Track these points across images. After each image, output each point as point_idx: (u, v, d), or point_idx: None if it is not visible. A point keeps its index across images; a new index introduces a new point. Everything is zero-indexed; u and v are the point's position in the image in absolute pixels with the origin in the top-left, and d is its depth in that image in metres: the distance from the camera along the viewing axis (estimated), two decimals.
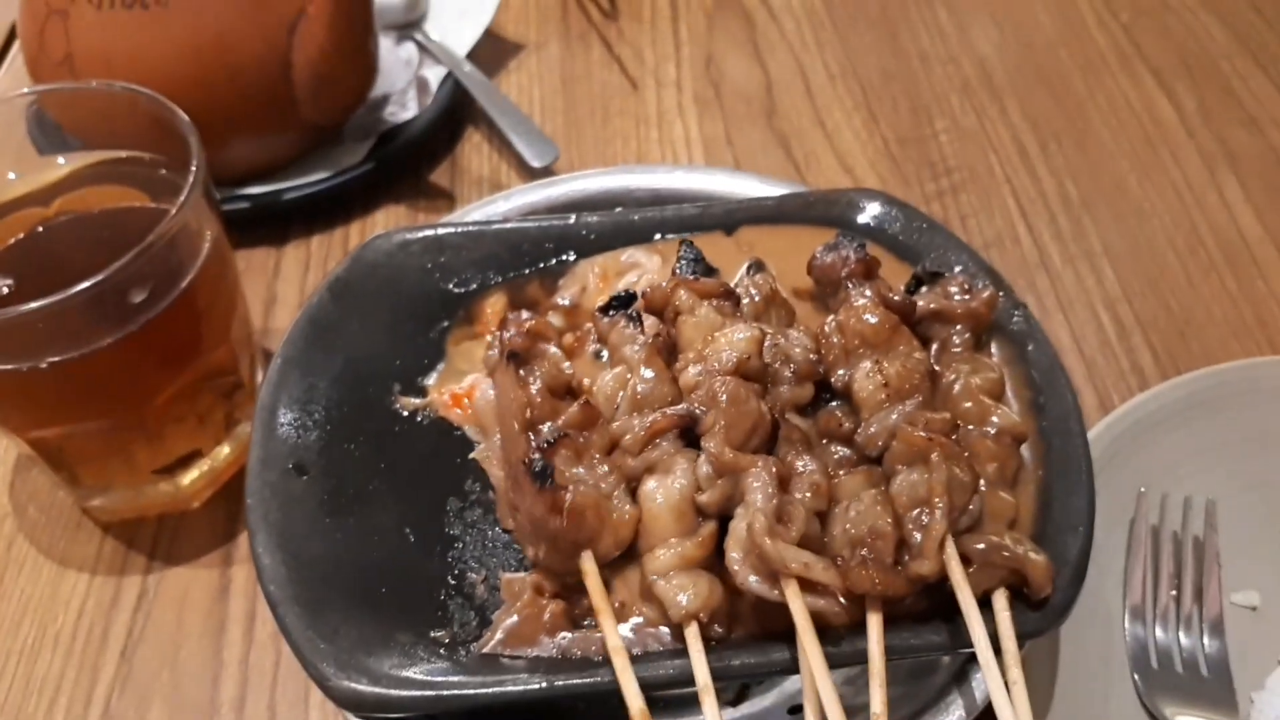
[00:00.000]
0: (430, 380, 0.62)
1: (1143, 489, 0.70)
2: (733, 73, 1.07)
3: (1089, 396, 0.80)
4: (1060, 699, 0.61)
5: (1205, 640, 0.65)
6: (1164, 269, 0.89)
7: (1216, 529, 0.69)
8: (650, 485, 0.53)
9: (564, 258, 0.68)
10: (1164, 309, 0.86)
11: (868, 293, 0.58)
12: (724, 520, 0.52)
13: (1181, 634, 0.65)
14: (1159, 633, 0.65)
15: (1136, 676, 0.63)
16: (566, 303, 0.66)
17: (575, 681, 0.48)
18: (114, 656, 0.68)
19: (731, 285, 0.61)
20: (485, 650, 0.51)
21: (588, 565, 0.51)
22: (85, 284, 0.57)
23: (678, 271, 0.61)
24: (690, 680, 0.48)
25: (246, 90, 0.84)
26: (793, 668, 0.49)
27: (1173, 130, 1.00)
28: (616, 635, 0.49)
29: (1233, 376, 0.75)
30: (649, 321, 0.61)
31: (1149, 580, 0.67)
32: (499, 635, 0.51)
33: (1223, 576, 0.67)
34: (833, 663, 0.47)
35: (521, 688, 0.48)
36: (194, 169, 0.63)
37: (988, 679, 0.47)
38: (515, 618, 0.51)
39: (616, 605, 0.51)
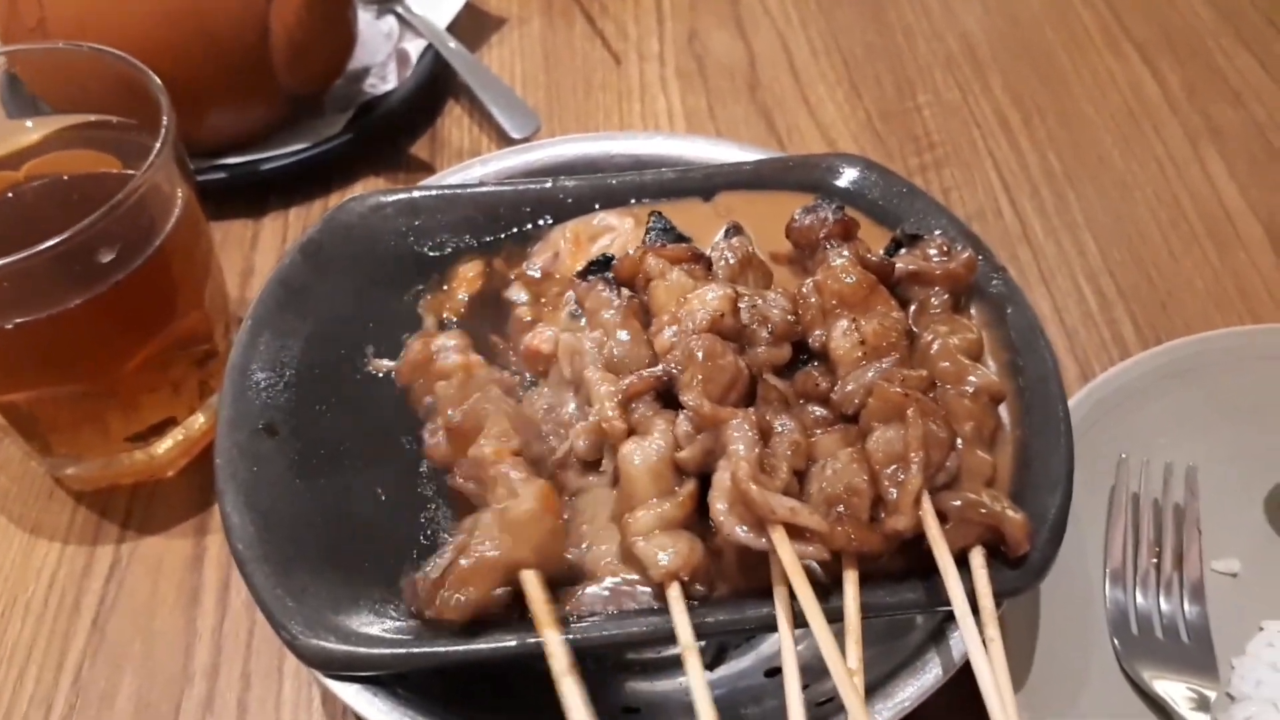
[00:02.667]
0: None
1: (1123, 455, 0.70)
2: (716, 47, 1.07)
3: (1071, 367, 0.80)
4: (1039, 663, 0.61)
5: (1186, 606, 0.64)
6: (1146, 241, 0.89)
7: (1197, 496, 0.68)
8: (628, 447, 0.52)
9: (540, 222, 0.67)
10: (1146, 280, 0.86)
11: (845, 253, 0.57)
12: (703, 480, 0.51)
13: (1162, 599, 0.65)
14: (1139, 598, 0.65)
15: (1116, 641, 0.63)
16: (537, 274, 0.66)
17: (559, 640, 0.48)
18: (86, 625, 0.67)
19: (707, 250, 0.61)
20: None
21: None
22: (50, 242, 0.56)
23: (647, 243, 0.61)
24: (669, 639, 0.48)
25: (223, 57, 0.83)
26: (773, 624, 0.48)
27: (1156, 105, 1.00)
28: (564, 657, 0.46)
29: (1214, 345, 0.75)
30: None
31: (1129, 546, 0.67)
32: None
33: (1203, 543, 0.67)
34: (808, 619, 0.46)
35: (493, 645, 0.48)
36: (164, 128, 0.62)
37: (965, 637, 0.46)
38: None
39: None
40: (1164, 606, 0.65)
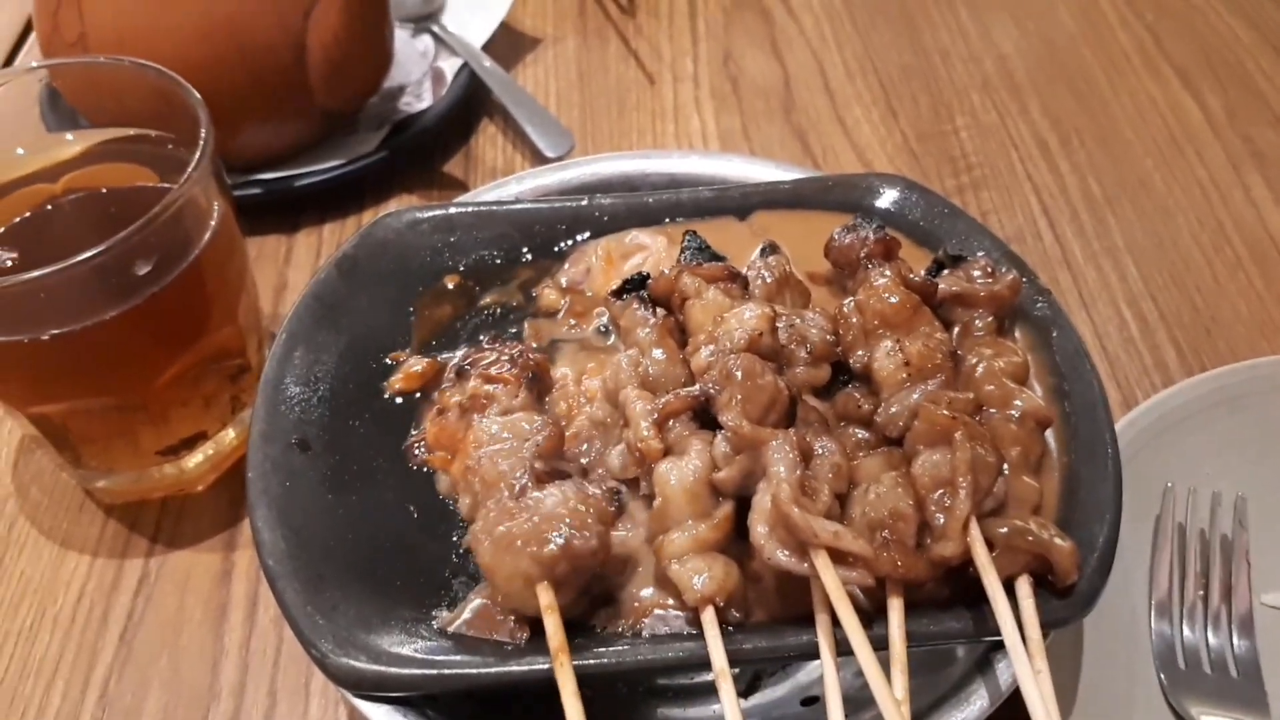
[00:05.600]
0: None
1: (1170, 484, 0.68)
2: (750, 68, 1.06)
3: (1113, 393, 0.78)
4: (1084, 696, 0.59)
5: (1234, 640, 0.62)
6: (1189, 266, 0.87)
7: (1246, 526, 0.67)
8: (664, 467, 0.51)
9: (576, 239, 0.66)
10: (1189, 306, 0.84)
11: (887, 273, 0.56)
12: (739, 502, 0.50)
13: (1209, 633, 0.63)
14: (1186, 631, 0.63)
15: (1162, 675, 0.61)
16: (565, 283, 0.65)
17: (585, 663, 0.47)
18: (113, 639, 0.66)
19: (743, 269, 0.60)
20: (450, 629, 0.49)
21: (545, 598, 0.48)
22: (88, 253, 0.56)
23: (682, 261, 0.60)
24: (704, 665, 0.47)
25: (260, 74, 0.83)
26: (814, 652, 0.47)
27: (1198, 129, 0.98)
28: (572, 681, 0.45)
29: (1262, 372, 0.73)
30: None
31: (1175, 577, 0.65)
32: (465, 615, 0.49)
33: (1252, 576, 0.65)
34: (853, 647, 0.45)
35: (525, 668, 0.47)
36: (202, 142, 0.62)
37: (1016, 668, 0.45)
38: (481, 601, 0.49)
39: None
40: (1212, 640, 0.63)
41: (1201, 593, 0.64)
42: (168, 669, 0.65)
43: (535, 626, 0.48)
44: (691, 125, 1.00)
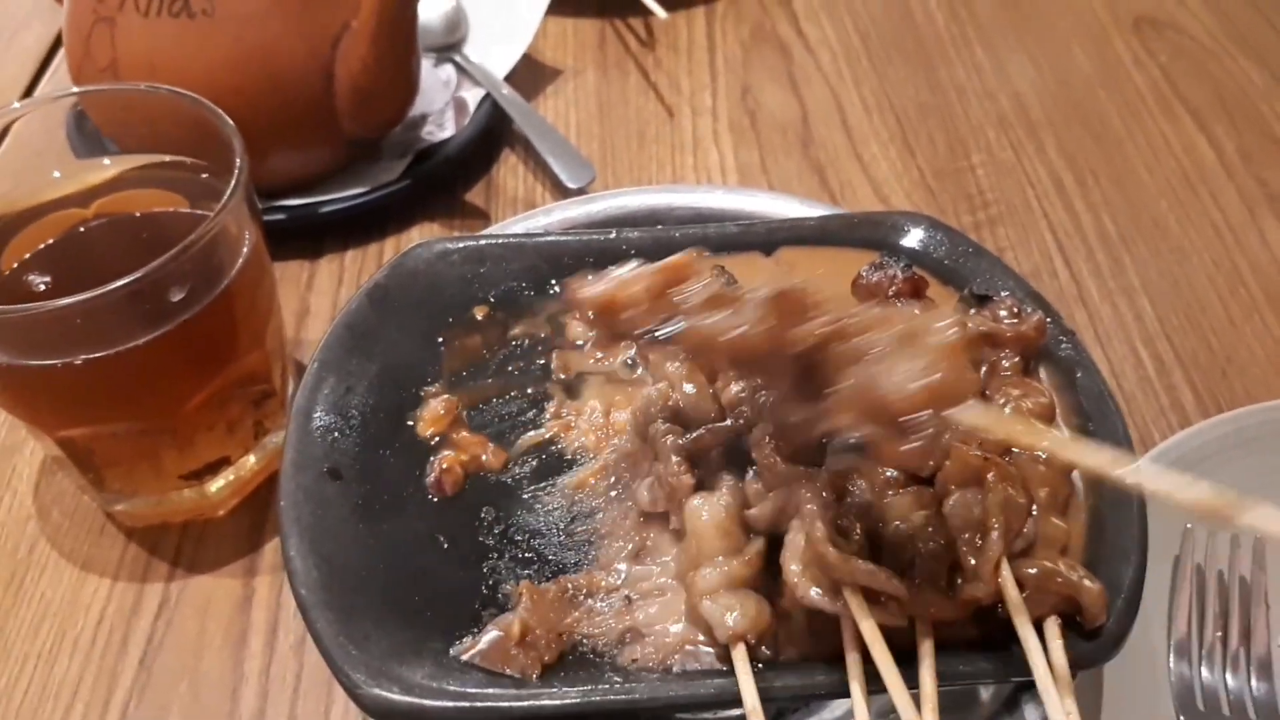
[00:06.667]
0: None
1: (1188, 525, 0.68)
2: (769, 103, 1.07)
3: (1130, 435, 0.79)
4: None
5: (1253, 682, 0.63)
6: (1205, 307, 0.88)
7: (1265, 568, 0.67)
8: (695, 502, 0.51)
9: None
10: (1205, 347, 0.85)
11: (916, 311, 0.57)
12: (770, 539, 0.51)
13: (1229, 675, 0.63)
14: (1205, 673, 0.63)
15: (1181, 717, 0.61)
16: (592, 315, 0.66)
17: (616, 698, 0.47)
18: (133, 664, 0.66)
19: None
20: (464, 657, 0.49)
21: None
22: (123, 281, 0.57)
23: None
24: (734, 701, 0.47)
25: (289, 101, 0.84)
26: (845, 690, 0.47)
27: (1212, 171, 0.99)
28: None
29: (1275, 416, 0.73)
30: None
31: (1194, 618, 0.65)
32: (480, 645, 0.49)
33: (1271, 618, 0.65)
34: (882, 686, 0.45)
35: (559, 702, 0.47)
36: (237, 170, 0.63)
37: (1048, 709, 0.45)
38: (497, 633, 0.50)
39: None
40: (1230, 682, 0.63)
41: (1220, 634, 0.65)
42: (187, 694, 0.65)
43: (545, 666, 0.48)
44: (710, 158, 1.01)
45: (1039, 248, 0.92)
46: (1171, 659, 0.64)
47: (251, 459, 0.74)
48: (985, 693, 0.53)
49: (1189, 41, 1.14)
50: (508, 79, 1.03)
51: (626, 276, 0.43)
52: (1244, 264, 0.91)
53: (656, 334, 0.42)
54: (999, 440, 0.53)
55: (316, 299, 0.88)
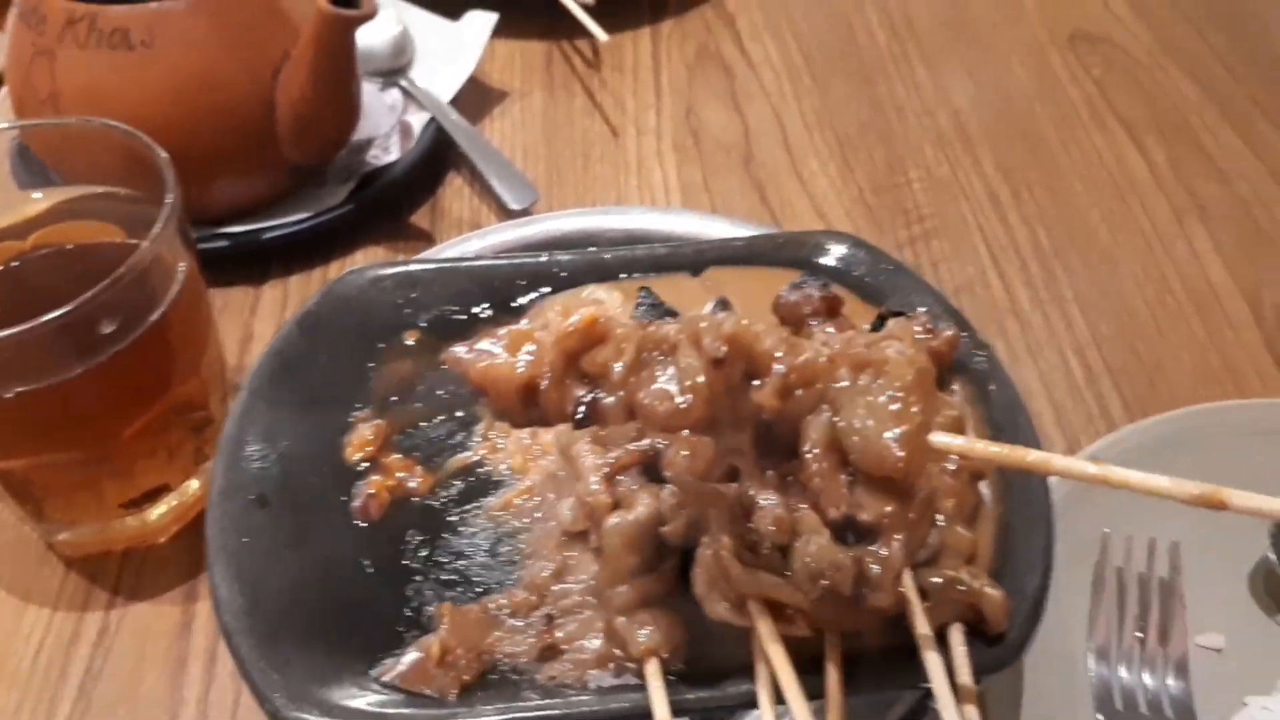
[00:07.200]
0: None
1: (1107, 530, 0.70)
2: (712, 122, 1.09)
3: (1058, 440, 0.81)
4: None
5: (1170, 681, 0.64)
6: (1133, 316, 0.90)
7: (1180, 571, 0.69)
8: (611, 521, 0.53)
9: (534, 295, 0.68)
10: (1133, 355, 0.87)
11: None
12: (686, 554, 0.52)
13: (1146, 675, 0.65)
14: (1123, 674, 0.65)
15: (1099, 716, 0.63)
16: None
17: (531, 715, 0.48)
18: (72, 692, 0.67)
19: None
20: (385, 679, 0.50)
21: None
22: (53, 314, 0.58)
23: (635, 317, 0.62)
24: (646, 715, 0.48)
25: (230, 130, 0.85)
26: (753, 701, 0.49)
27: (1143, 181, 1.02)
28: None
29: (1198, 420, 0.75)
30: None
31: (1114, 622, 0.67)
32: (399, 667, 0.51)
33: (1187, 618, 0.67)
34: (786, 698, 0.47)
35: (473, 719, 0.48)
36: (168, 203, 0.64)
37: (944, 715, 0.46)
38: (417, 654, 0.51)
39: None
40: (1148, 682, 0.64)
41: (1139, 636, 0.66)
42: None
43: (464, 685, 0.49)
44: (654, 178, 1.03)
45: (973, 261, 0.94)
46: (1091, 661, 0.65)
47: (193, 485, 0.74)
48: (901, 701, 0.54)
49: (1123, 55, 1.17)
50: (454, 102, 1.05)
51: (509, 347, 0.41)
52: (1172, 273, 0.93)
53: (578, 417, 0.41)
54: (977, 463, 0.54)
55: (261, 325, 0.89)
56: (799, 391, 0.38)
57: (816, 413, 0.39)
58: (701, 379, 0.38)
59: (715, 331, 0.37)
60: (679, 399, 0.38)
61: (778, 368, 0.38)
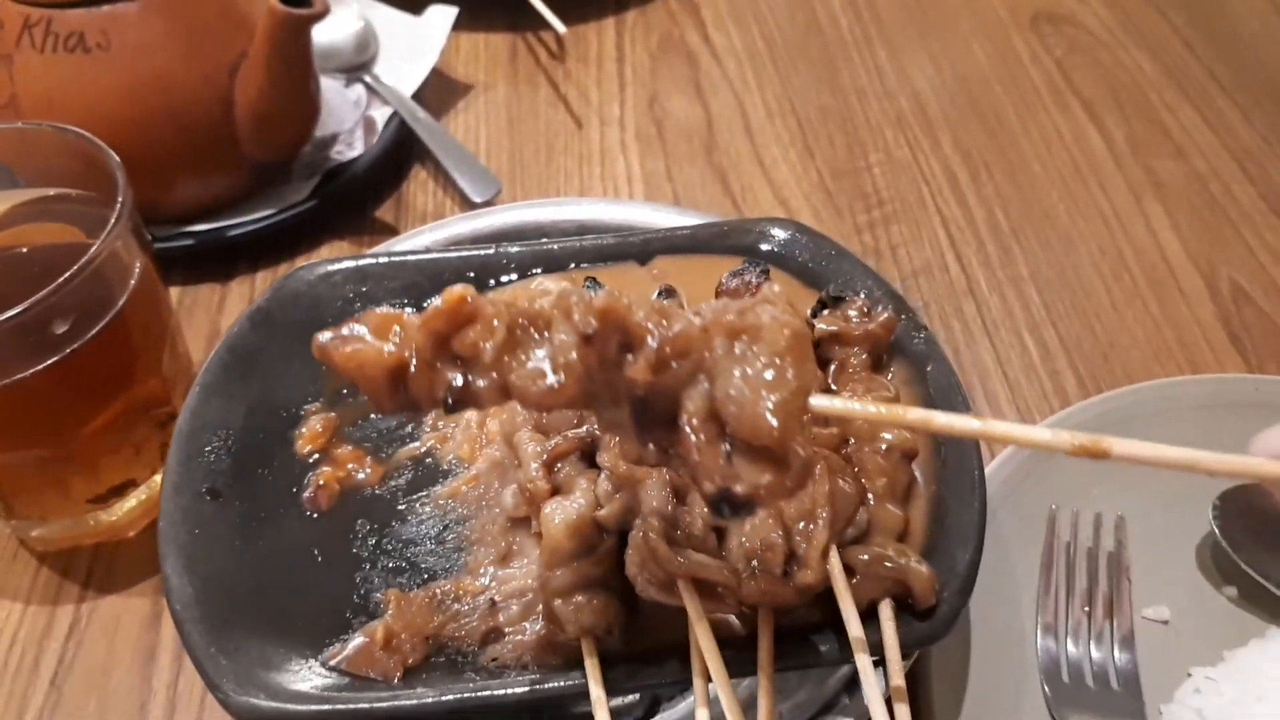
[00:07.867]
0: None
1: (1054, 506, 0.71)
2: (675, 111, 1.10)
3: (1012, 417, 0.82)
4: (969, 713, 0.62)
5: (1116, 654, 0.66)
6: (1089, 294, 0.91)
7: (1126, 545, 0.70)
8: (550, 507, 0.54)
9: (485, 286, 0.69)
10: (1088, 333, 0.88)
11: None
12: (622, 537, 0.53)
13: (1093, 648, 0.66)
14: (1071, 647, 0.66)
15: (1047, 689, 0.64)
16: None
17: (470, 695, 0.49)
18: (44, 685, 0.68)
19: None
20: (331, 663, 0.52)
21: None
22: (6, 314, 0.59)
23: None
24: (583, 695, 0.49)
25: (189, 130, 0.86)
26: (686, 679, 0.50)
27: (1102, 160, 1.03)
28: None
29: (1146, 396, 0.77)
30: None
31: (1062, 596, 0.68)
32: (346, 651, 0.52)
33: (1134, 591, 0.68)
34: (711, 674, 0.48)
35: (415, 702, 0.49)
36: (119, 204, 0.65)
37: (865, 687, 0.48)
38: (363, 639, 0.52)
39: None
40: (1095, 655, 0.66)
41: (1086, 609, 0.68)
42: (96, 712, 0.67)
43: (408, 668, 0.51)
44: (617, 168, 1.04)
45: (930, 243, 0.95)
46: (1039, 635, 0.67)
47: (159, 479, 0.76)
48: (832, 675, 0.55)
49: (1084, 35, 1.17)
50: (417, 95, 1.05)
51: (375, 331, 0.40)
52: (1128, 250, 0.94)
53: (449, 403, 0.40)
54: (861, 425, 0.56)
55: (227, 321, 0.90)
56: (675, 364, 0.39)
57: (695, 384, 0.39)
58: (574, 355, 0.38)
59: (585, 306, 0.38)
60: (550, 378, 0.38)
61: (650, 341, 0.38)
